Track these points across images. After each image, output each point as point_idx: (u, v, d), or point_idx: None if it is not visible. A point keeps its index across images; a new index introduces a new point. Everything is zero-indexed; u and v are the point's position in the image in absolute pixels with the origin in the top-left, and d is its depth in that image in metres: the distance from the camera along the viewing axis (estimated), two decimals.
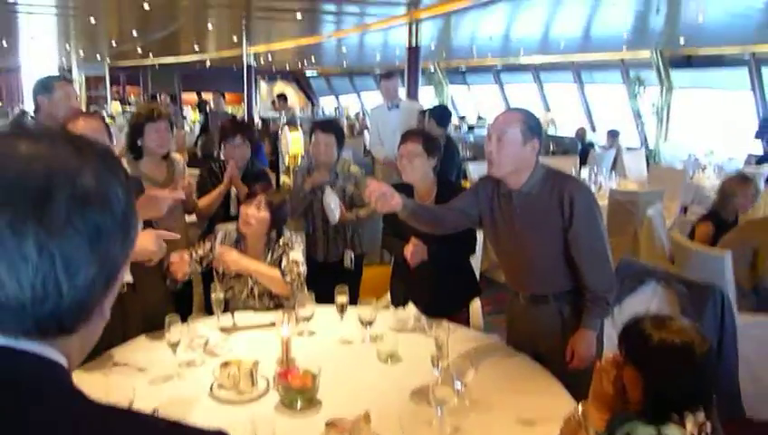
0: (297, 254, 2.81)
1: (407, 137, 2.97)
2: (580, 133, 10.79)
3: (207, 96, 18.19)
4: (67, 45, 16.44)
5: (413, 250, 2.75)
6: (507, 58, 15.33)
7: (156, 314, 2.28)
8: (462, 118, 17.32)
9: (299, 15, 9.73)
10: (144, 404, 1.82)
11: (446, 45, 13.83)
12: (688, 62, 10.94)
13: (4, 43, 15.26)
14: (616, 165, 8.82)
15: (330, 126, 3.65)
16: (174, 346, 2.14)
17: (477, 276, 3.63)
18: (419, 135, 3.00)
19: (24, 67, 22.10)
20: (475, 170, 6.68)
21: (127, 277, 2.46)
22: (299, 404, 1.90)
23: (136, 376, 2.10)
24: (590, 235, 2.25)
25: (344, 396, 1.96)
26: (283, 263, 2.76)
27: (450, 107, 18.66)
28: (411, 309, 2.65)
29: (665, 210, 5.38)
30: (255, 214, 2.76)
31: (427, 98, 16.00)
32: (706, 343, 1.45)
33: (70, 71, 20.96)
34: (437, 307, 2.66)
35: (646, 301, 3.04)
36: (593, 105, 13.53)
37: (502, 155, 2.24)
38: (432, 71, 17.92)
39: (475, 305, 3.31)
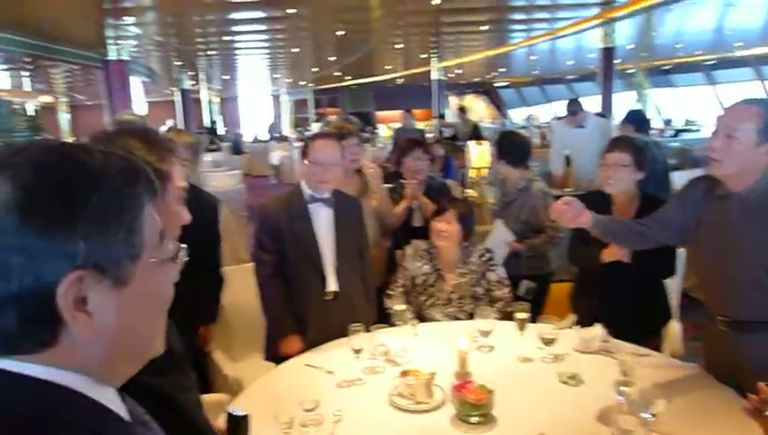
0: (501, 270, 2.98)
1: (615, 145, 2.79)
2: None
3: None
4: (276, 74, 18.31)
5: (613, 247, 2.59)
6: (720, 52, 13.79)
7: (358, 320, 2.41)
8: (667, 122, 15.93)
9: (485, 27, 9.75)
10: (329, 405, 1.95)
11: (647, 43, 12.84)
12: None
13: (225, 76, 17.50)
14: None
15: (499, 137, 3.69)
16: (357, 352, 2.26)
17: (679, 295, 3.31)
18: (629, 144, 2.78)
19: (241, 96, 25.11)
20: (681, 180, 6.08)
21: (332, 286, 2.68)
22: (474, 419, 1.88)
23: (324, 378, 2.25)
24: None
25: (520, 415, 1.91)
26: (491, 277, 2.93)
27: (654, 110, 17.33)
28: (597, 329, 2.49)
29: None
30: (447, 228, 2.90)
31: (627, 102, 14.96)
32: None
33: (278, 97, 23.34)
34: (627, 331, 2.47)
35: None
36: None
37: (729, 155, 1.94)
38: (631, 72, 16.74)
39: (674, 329, 3.01)
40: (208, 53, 12.33)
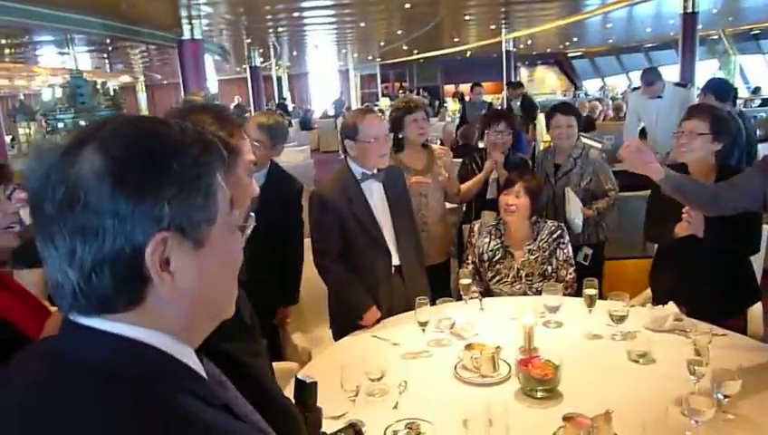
0: (569, 249, 2.93)
1: (692, 113, 2.67)
2: None
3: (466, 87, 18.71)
4: (343, 50, 18.38)
5: (685, 220, 2.48)
6: None
7: (419, 295, 2.44)
8: (755, 90, 14.94)
9: None
10: (394, 376, 1.99)
11: (734, 7, 12.04)
12: None
13: (294, 53, 17.70)
14: None
15: (569, 108, 3.65)
16: (423, 325, 2.29)
17: (760, 276, 3.16)
18: (708, 112, 2.65)
19: (311, 72, 25.36)
20: None
21: (395, 261, 2.72)
22: (539, 394, 1.88)
23: (390, 349, 2.30)
24: None
25: (587, 391, 1.89)
26: (560, 256, 2.90)
27: (739, 78, 16.28)
28: (671, 308, 2.41)
29: None
30: (515, 201, 2.88)
31: (709, 71, 14.14)
32: None
33: (347, 72, 23.41)
34: (707, 309, 2.38)
35: None
36: None
37: None
38: (715, 38, 15.76)
39: (755, 310, 2.88)
40: (278, 30, 12.51)
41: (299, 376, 1.53)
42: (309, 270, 2.97)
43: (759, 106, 12.20)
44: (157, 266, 0.67)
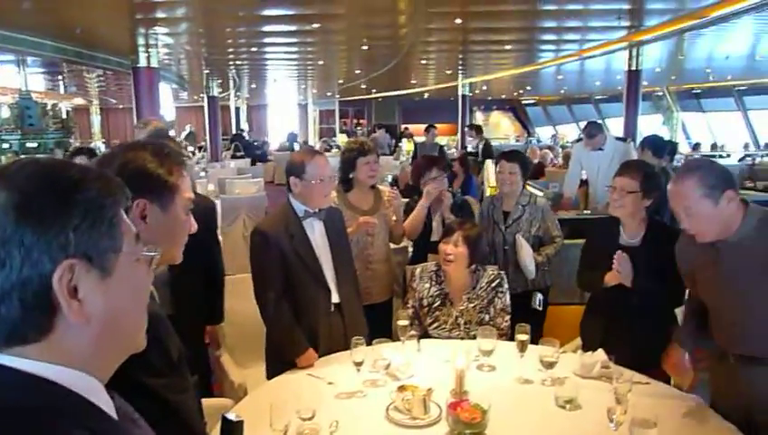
0: (507, 298, 2.94)
1: (624, 170, 2.80)
2: None
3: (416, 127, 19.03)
4: (303, 85, 18.54)
5: (615, 269, 2.63)
6: (751, 78, 13.62)
7: (357, 333, 2.46)
8: (695, 146, 15.72)
9: (513, 46, 9.78)
10: (326, 415, 1.99)
11: (675, 67, 12.74)
12: None
13: (253, 85, 17.75)
14: None
15: (514, 155, 3.76)
16: (358, 365, 2.30)
17: None
18: (639, 170, 2.78)
19: (270, 105, 25.41)
20: None
21: (334, 298, 2.73)
22: None
23: (325, 388, 2.30)
24: None
25: None
26: (497, 304, 2.91)
27: (681, 134, 17.09)
28: (600, 354, 2.49)
29: None
30: (454, 251, 2.89)
31: (654, 125, 14.81)
32: None
33: (306, 107, 23.54)
34: (634, 358, 2.47)
35: None
36: None
37: (701, 225, 2.01)
38: (660, 95, 16.58)
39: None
40: (238, 62, 12.57)
41: (225, 415, 1.52)
42: (248, 307, 2.96)
43: None
44: (65, 293, 0.70)
